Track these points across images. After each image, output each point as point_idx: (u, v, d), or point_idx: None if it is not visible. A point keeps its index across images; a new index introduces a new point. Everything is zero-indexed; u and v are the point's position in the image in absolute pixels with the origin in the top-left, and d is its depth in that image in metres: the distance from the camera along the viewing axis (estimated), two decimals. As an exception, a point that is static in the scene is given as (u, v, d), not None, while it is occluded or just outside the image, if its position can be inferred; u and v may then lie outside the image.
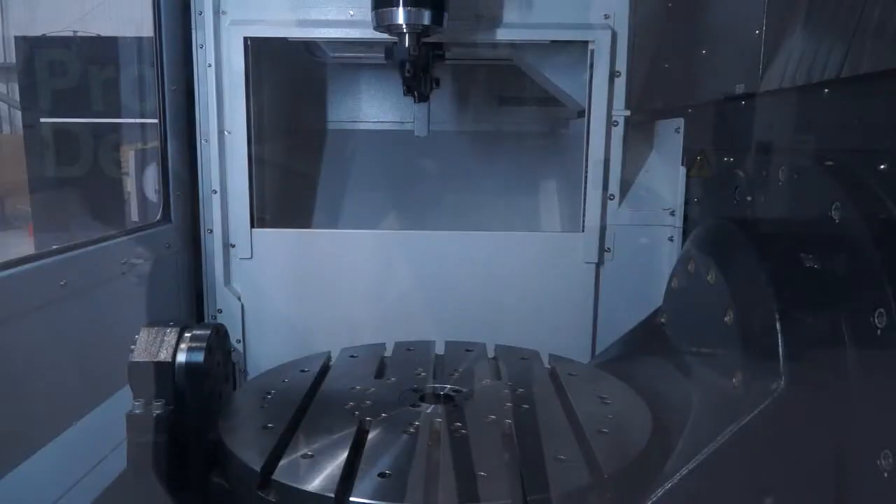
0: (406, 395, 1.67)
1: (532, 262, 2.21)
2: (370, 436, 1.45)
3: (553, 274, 2.21)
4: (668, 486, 1.24)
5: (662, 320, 1.87)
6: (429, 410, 1.58)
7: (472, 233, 2.26)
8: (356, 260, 2.23)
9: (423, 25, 1.85)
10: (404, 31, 1.87)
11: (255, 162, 2.21)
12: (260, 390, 1.70)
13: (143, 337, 1.53)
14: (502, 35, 2.11)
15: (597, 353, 2.18)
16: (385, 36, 1.95)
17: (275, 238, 2.22)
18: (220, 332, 1.65)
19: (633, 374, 1.80)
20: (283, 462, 1.35)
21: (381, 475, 1.29)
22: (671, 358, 1.71)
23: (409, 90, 2.23)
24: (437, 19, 1.85)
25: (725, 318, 1.44)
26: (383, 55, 2.04)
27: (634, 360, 1.91)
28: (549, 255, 2.21)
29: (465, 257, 2.22)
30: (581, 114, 2.24)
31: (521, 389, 1.70)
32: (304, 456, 1.36)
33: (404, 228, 2.61)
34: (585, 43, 2.11)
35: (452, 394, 1.69)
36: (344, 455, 1.36)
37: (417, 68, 1.98)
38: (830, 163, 1.35)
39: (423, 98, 2.33)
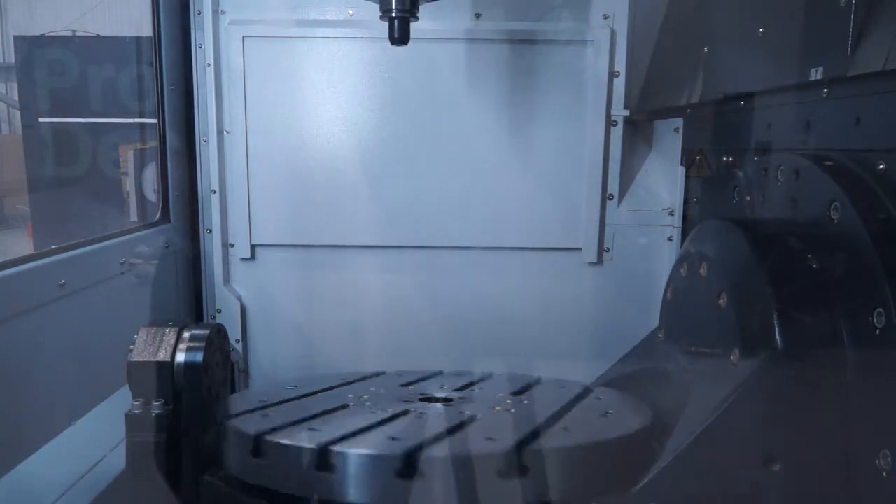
0: (405, 393, 1.68)
1: (531, 261, 2.21)
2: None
3: (552, 274, 2.21)
4: (671, 458, 1.24)
5: (660, 327, 1.86)
6: (427, 409, 1.58)
7: (470, 230, 2.25)
8: (356, 259, 2.22)
9: None
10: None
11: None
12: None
13: (142, 337, 1.54)
14: (501, 34, 2.11)
15: (595, 352, 2.17)
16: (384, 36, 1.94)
17: (274, 237, 2.22)
18: (219, 332, 1.65)
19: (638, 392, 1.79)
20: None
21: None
22: (674, 375, 1.70)
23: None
24: None
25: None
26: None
27: (637, 380, 1.89)
28: (548, 255, 2.21)
29: (464, 255, 2.21)
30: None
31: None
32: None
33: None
34: (585, 42, 2.11)
35: (451, 396, 1.69)
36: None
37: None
38: (830, 163, 1.35)
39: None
